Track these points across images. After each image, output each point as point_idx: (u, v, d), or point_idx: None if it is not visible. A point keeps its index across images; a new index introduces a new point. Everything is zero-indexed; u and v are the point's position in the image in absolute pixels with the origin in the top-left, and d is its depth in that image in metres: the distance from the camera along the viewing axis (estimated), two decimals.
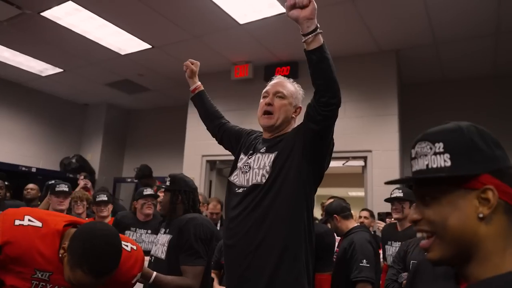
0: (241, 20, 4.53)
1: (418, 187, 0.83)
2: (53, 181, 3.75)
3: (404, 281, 2.24)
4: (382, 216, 3.87)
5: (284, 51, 5.32)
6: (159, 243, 2.25)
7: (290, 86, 1.90)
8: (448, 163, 0.77)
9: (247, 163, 1.84)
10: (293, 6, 1.55)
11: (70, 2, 4.29)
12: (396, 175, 4.77)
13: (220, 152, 5.64)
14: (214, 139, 2.22)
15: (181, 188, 2.32)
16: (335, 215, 2.97)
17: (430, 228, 0.79)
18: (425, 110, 5.72)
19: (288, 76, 2.01)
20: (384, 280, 2.61)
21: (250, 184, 1.77)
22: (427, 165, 0.79)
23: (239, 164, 1.88)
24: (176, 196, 2.30)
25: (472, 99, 5.53)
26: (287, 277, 1.64)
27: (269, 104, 1.85)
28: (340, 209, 3.02)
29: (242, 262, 1.69)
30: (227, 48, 5.30)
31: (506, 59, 5.07)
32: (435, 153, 0.79)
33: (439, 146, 0.79)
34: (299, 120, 1.86)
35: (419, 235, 0.85)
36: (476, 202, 0.76)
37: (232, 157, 6.22)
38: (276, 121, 1.83)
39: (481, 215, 0.75)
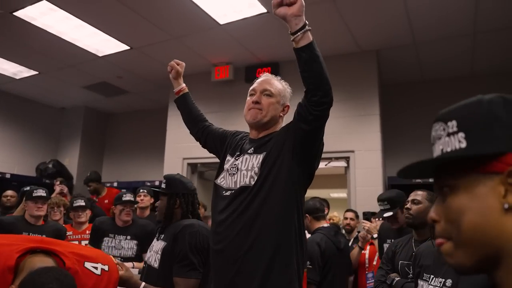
0: (221, 21, 4.47)
1: (436, 177, 0.69)
2: (28, 187, 3.62)
3: (394, 282, 2.22)
4: (367, 216, 3.86)
5: (264, 52, 5.28)
6: (153, 250, 2.12)
7: (278, 84, 1.85)
8: (464, 144, 0.62)
9: (234, 164, 1.77)
10: (280, 4, 1.51)
11: (44, 1, 4.16)
12: (379, 175, 4.79)
13: (201, 155, 5.65)
14: (197, 142, 2.15)
15: (179, 191, 2.18)
16: (306, 214, 2.99)
17: (449, 231, 0.64)
18: (406, 110, 5.78)
19: None
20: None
21: (238, 186, 1.70)
22: (442, 150, 0.66)
23: (226, 166, 1.82)
24: (174, 200, 2.15)
25: (451, 99, 5.46)
26: (278, 282, 1.58)
27: (256, 102, 1.79)
28: (313, 209, 3.07)
29: (231, 267, 1.62)
30: (207, 49, 5.24)
31: (483, 59, 5.16)
32: (449, 134, 0.65)
33: (452, 125, 0.65)
34: (287, 119, 1.82)
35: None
36: (502, 189, 0.59)
37: (214, 159, 6.12)
38: (264, 117, 1.77)
39: (506, 206, 0.59)
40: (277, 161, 1.66)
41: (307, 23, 1.50)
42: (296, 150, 1.64)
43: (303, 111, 1.58)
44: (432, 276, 1.57)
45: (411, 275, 2.25)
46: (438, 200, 0.67)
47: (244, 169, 1.72)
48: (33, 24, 4.66)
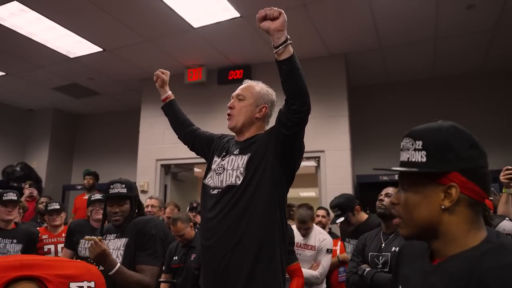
0: (195, 24, 4.55)
1: (400, 176, 0.96)
2: None
3: (365, 272, 2.36)
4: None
5: (237, 55, 5.39)
6: (112, 248, 2.17)
7: (255, 88, 1.96)
8: (424, 159, 0.90)
9: (221, 164, 1.88)
10: (264, 18, 1.62)
11: (15, 2, 4.11)
12: (348, 174, 4.98)
13: (175, 156, 5.70)
14: (185, 145, 2.23)
15: (136, 193, 2.33)
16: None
17: (400, 213, 0.95)
18: (372, 111, 6.03)
19: (241, 80, 2.07)
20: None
21: (224, 185, 1.81)
22: (408, 158, 0.93)
23: (213, 166, 1.92)
24: (136, 202, 2.28)
25: (414, 100, 5.88)
26: (264, 274, 1.70)
27: (230, 108, 1.93)
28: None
29: (221, 261, 1.73)
30: (181, 51, 5.29)
31: (443, 62, 5.46)
32: (415, 149, 0.92)
33: (419, 144, 0.91)
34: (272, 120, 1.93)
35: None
36: (442, 195, 0.88)
37: (187, 160, 6.15)
38: (236, 123, 1.90)
39: (443, 207, 0.88)
40: (261, 162, 1.78)
41: (289, 37, 1.61)
42: (278, 152, 1.76)
43: (283, 118, 1.70)
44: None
45: (380, 266, 2.41)
46: (399, 190, 0.97)
47: (230, 169, 1.83)
48: (1, 25, 4.58)
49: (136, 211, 2.32)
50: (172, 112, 2.23)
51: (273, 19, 1.60)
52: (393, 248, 2.37)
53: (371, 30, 4.60)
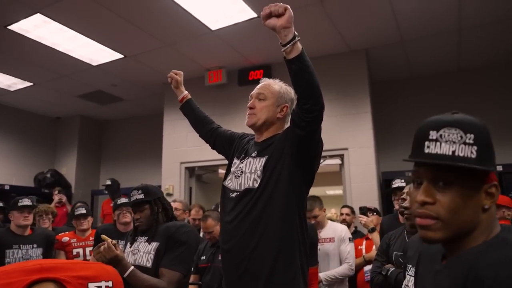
0: (213, 26, 4.57)
1: (435, 170, 0.84)
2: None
3: (389, 273, 2.31)
4: (364, 210, 3.96)
5: (256, 55, 5.38)
6: (142, 251, 2.18)
7: (274, 87, 1.91)
8: (474, 155, 0.81)
9: (239, 167, 1.86)
10: (269, 16, 1.55)
11: (38, 14, 4.23)
12: (373, 171, 4.89)
13: (198, 158, 5.74)
14: (207, 143, 2.22)
15: (157, 196, 2.29)
16: None
17: (440, 215, 0.83)
18: (396, 106, 5.91)
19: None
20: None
21: (242, 188, 1.79)
22: (454, 152, 0.81)
23: (232, 169, 1.90)
24: (158, 206, 2.26)
25: (438, 94, 5.72)
26: (283, 280, 1.67)
27: (250, 108, 1.89)
28: None
29: (239, 266, 1.72)
30: (200, 54, 5.32)
31: (469, 54, 5.29)
32: (465, 143, 0.82)
33: (470, 137, 0.82)
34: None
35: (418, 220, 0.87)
36: (483, 195, 0.84)
37: (211, 162, 6.17)
38: (257, 120, 1.86)
39: (486, 207, 0.84)
40: (278, 164, 1.74)
41: (296, 34, 1.54)
42: (294, 153, 1.72)
43: (296, 118, 1.66)
44: (410, 265, 1.64)
45: None
46: (428, 186, 0.85)
47: (248, 172, 1.81)
48: (27, 37, 4.73)
49: (164, 213, 2.29)
50: (190, 111, 2.23)
51: (279, 15, 1.53)
52: None
53: (391, 23, 4.50)
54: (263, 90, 1.90)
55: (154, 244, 2.15)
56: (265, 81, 1.96)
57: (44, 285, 1.40)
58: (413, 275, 1.60)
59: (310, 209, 3.28)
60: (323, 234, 3.40)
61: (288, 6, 1.53)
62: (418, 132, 0.89)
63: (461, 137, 0.82)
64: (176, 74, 2.24)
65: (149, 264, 2.11)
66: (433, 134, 0.84)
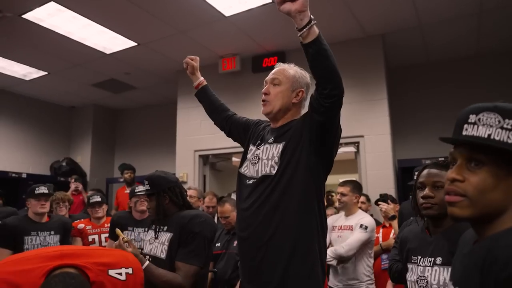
0: (227, 13, 4.51)
1: (470, 150, 0.87)
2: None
3: None
4: (384, 197, 3.91)
5: (270, 42, 5.31)
6: (158, 242, 2.14)
7: (289, 71, 1.86)
8: (511, 140, 0.82)
9: (256, 154, 1.82)
10: (283, 0, 1.50)
11: (52, 2, 4.22)
12: (389, 159, 4.83)
13: (212, 146, 5.73)
14: (222, 131, 2.19)
15: (164, 187, 2.20)
16: None
17: (468, 192, 0.86)
18: (413, 93, 5.80)
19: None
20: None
21: (259, 175, 1.75)
22: (489, 135, 0.84)
23: (249, 156, 1.87)
24: (163, 198, 2.19)
25: (457, 80, 5.60)
26: (301, 267, 1.64)
27: (265, 94, 1.85)
28: None
29: (256, 254, 1.69)
30: (214, 41, 5.28)
31: (488, 38, 5.14)
32: (502, 128, 0.84)
33: (509, 123, 0.83)
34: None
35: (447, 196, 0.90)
36: None
37: (225, 150, 6.17)
38: (273, 109, 1.82)
39: None
40: (296, 150, 1.70)
41: (313, 17, 1.49)
42: (313, 139, 1.68)
43: (315, 103, 1.61)
44: (419, 257, 1.59)
45: None
46: (461, 165, 0.88)
47: (265, 158, 1.77)
48: (41, 26, 4.73)
49: (179, 202, 2.23)
50: (206, 98, 2.19)
51: (293, 0, 1.48)
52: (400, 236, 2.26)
53: (408, 6, 4.38)
54: (277, 75, 1.85)
55: (168, 235, 2.10)
56: (280, 66, 1.91)
57: (65, 269, 1.42)
58: (424, 264, 1.57)
59: None
60: (347, 221, 3.30)
61: None
62: (459, 116, 0.91)
63: (499, 121, 0.84)
64: (192, 60, 2.19)
65: (163, 256, 2.08)
66: (472, 118, 0.87)
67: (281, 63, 1.94)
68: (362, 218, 3.26)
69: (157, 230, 2.21)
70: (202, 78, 2.21)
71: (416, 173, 3.07)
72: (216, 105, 2.17)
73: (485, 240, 0.86)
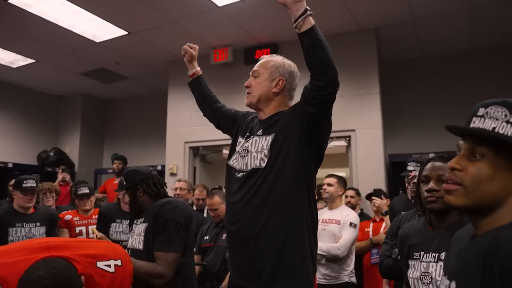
0: (220, 3, 4.44)
1: (474, 142, 0.89)
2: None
3: (399, 256, 2.26)
4: (378, 193, 3.91)
5: (263, 33, 5.26)
6: (135, 234, 2.16)
7: (269, 62, 1.84)
8: None
9: (245, 146, 1.80)
10: None
11: None
12: (380, 153, 4.82)
13: (203, 138, 5.67)
14: (211, 123, 2.18)
15: (136, 180, 2.20)
16: None
17: (464, 181, 0.88)
18: (405, 87, 5.80)
19: None
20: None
21: (249, 168, 1.74)
22: (494, 128, 0.86)
23: (238, 148, 1.84)
24: (136, 190, 2.19)
25: (450, 75, 5.61)
26: (291, 261, 1.63)
27: (247, 87, 1.86)
28: None
29: (246, 247, 1.67)
30: (206, 32, 5.20)
31: (482, 34, 5.14)
32: (508, 122, 0.85)
33: None
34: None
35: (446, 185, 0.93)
36: None
37: (215, 142, 6.12)
38: (252, 100, 1.82)
39: None
40: (286, 142, 1.68)
41: (308, 8, 1.50)
42: (304, 131, 1.66)
43: (309, 95, 1.59)
44: (422, 252, 1.57)
45: None
46: (463, 155, 0.90)
47: (254, 151, 1.75)
48: (28, 12, 4.61)
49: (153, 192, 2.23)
50: (199, 88, 2.16)
51: None
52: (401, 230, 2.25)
53: (403, 0, 4.35)
54: (258, 67, 1.86)
55: (144, 225, 2.11)
56: (263, 59, 1.89)
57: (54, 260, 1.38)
58: (428, 260, 1.55)
59: None
60: (332, 215, 3.33)
61: None
62: (471, 109, 0.92)
63: (506, 115, 0.85)
64: (191, 48, 2.16)
65: (140, 246, 2.07)
66: (481, 111, 0.89)
67: (265, 56, 1.92)
68: (349, 214, 3.32)
69: (133, 223, 2.22)
70: (198, 68, 2.18)
71: (409, 164, 3.10)
72: (208, 97, 2.15)
73: (485, 233, 0.86)
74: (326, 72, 1.53)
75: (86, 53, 5.85)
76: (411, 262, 1.62)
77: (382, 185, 4.68)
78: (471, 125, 0.89)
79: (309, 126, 1.64)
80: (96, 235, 2.01)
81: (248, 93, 1.84)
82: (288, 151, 1.67)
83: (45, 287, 1.24)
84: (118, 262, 1.54)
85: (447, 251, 1.47)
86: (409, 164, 3.12)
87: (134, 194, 2.20)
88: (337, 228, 3.25)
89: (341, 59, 4.99)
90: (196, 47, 2.19)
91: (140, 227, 2.14)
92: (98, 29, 5.11)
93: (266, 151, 1.71)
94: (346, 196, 4.41)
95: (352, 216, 3.32)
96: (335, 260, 3.15)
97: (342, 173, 10.18)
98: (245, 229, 1.69)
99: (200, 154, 6.17)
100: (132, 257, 1.98)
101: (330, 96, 1.57)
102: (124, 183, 2.24)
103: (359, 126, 4.95)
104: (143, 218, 2.16)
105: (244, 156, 1.77)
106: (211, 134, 5.17)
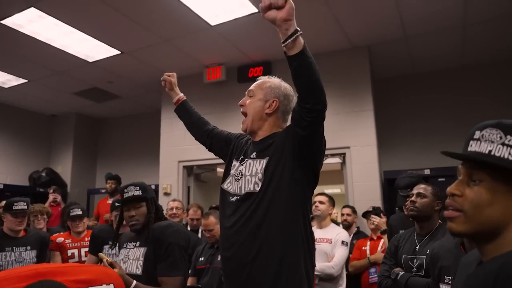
0: (212, 22, 4.45)
1: (471, 167, 0.87)
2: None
3: (398, 276, 2.22)
4: (377, 211, 3.87)
5: (256, 52, 5.27)
6: (131, 258, 2.09)
7: (265, 83, 1.83)
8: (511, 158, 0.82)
9: (239, 170, 1.76)
10: (268, 8, 1.43)
11: (32, 8, 4.10)
12: (375, 170, 4.80)
13: (197, 157, 5.64)
14: (199, 145, 2.15)
15: (152, 196, 2.21)
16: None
17: (464, 207, 0.86)
18: (399, 104, 5.82)
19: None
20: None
21: (243, 192, 1.70)
22: (490, 151, 0.84)
23: (232, 171, 1.80)
24: (152, 205, 2.19)
25: (442, 91, 5.64)
26: (287, 287, 1.58)
27: (241, 105, 1.84)
28: None
29: (241, 273, 1.62)
30: (199, 50, 5.21)
31: (473, 50, 5.19)
32: (504, 144, 0.83)
33: (511, 139, 0.83)
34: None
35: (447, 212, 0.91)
36: None
37: (209, 161, 6.06)
38: (246, 126, 1.81)
39: None
40: (279, 165, 1.65)
41: (298, 29, 1.43)
42: (296, 153, 1.63)
43: (297, 117, 1.56)
44: (451, 277, 1.53)
45: (415, 269, 2.26)
46: (462, 181, 0.89)
47: (248, 175, 1.71)
48: (21, 32, 4.59)
49: (155, 215, 2.22)
50: (185, 113, 2.15)
51: (279, 8, 1.41)
52: (429, 251, 2.22)
53: (395, 17, 4.39)
54: (253, 86, 1.84)
55: (142, 250, 2.07)
56: (260, 79, 1.88)
57: None
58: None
59: None
60: (323, 234, 3.35)
61: None
62: (468, 133, 0.92)
63: (501, 137, 0.83)
64: (169, 76, 2.17)
65: (139, 271, 2.03)
66: (477, 134, 0.88)
67: (263, 76, 1.90)
68: (340, 233, 3.40)
69: (133, 246, 2.16)
70: (181, 94, 2.19)
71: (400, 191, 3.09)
72: (196, 120, 2.13)
73: (492, 260, 0.84)
74: (314, 95, 1.49)
75: (79, 72, 5.83)
76: (442, 287, 1.56)
77: (378, 202, 4.64)
78: (469, 149, 0.88)
79: (302, 147, 1.61)
80: (106, 260, 1.95)
81: (242, 112, 1.82)
82: (282, 174, 1.63)
83: None
84: (111, 287, 1.49)
85: None
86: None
87: (149, 208, 2.17)
88: (329, 247, 3.29)
89: (335, 77, 5.05)
90: (174, 74, 2.20)
91: (136, 252, 2.09)
92: (91, 49, 5.10)
93: (260, 174, 1.67)
94: (343, 214, 4.38)
95: (343, 234, 3.39)
96: (328, 279, 3.15)
97: (337, 189, 10.19)
98: (239, 255, 1.64)
99: (194, 173, 6.11)
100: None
101: (319, 117, 1.53)
102: (140, 193, 2.17)
103: (354, 143, 4.94)
104: (137, 242, 2.12)
105: (239, 179, 1.74)
106: (205, 153, 5.08)
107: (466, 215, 0.85)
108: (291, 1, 1.41)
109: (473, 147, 0.87)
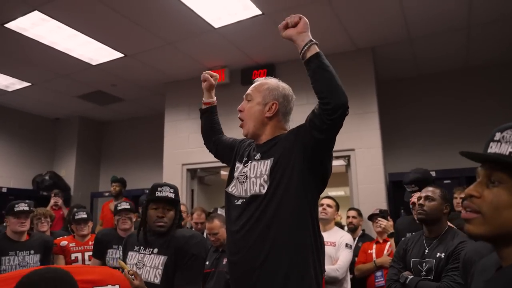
0: (216, 24, 4.44)
1: (491, 168, 0.86)
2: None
3: (407, 280, 2.19)
4: (384, 214, 3.83)
5: (260, 54, 5.26)
6: (148, 266, 2.04)
7: (263, 85, 1.79)
8: None
9: (243, 172, 1.73)
10: (285, 27, 1.61)
11: (36, 12, 4.10)
12: (380, 172, 4.77)
13: (200, 160, 5.61)
14: (203, 149, 2.16)
15: (179, 199, 2.21)
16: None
17: (482, 209, 0.84)
18: (403, 106, 5.79)
19: None
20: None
21: (248, 194, 1.66)
22: (511, 153, 0.82)
23: (236, 174, 1.78)
24: (179, 212, 2.17)
25: (447, 93, 5.61)
26: None
27: (240, 111, 1.82)
28: None
29: (249, 279, 1.59)
30: (202, 53, 5.20)
31: (477, 52, 5.16)
32: None
33: None
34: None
35: (463, 213, 0.90)
36: None
37: (213, 164, 6.04)
38: (248, 131, 1.78)
39: None
40: (288, 167, 1.61)
41: (313, 39, 1.57)
42: (307, 156, 1.60)
43: (318, 120, 1.53)
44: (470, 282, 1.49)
45: (424, 273, 2.23)
46: (481, 182, 0.87)
47: (253, 176, 1.68)
48: (25, 35, 4.59)
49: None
50: (209, 118, 2.10)
51: (295, 25, 1.60)
52: (438, 254, 2.19)
53: (399, 19, 4.37)
54: (251, 90, 1.81)
55: (162, 258, 2.02)
56: (257, 81, 1.85)
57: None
58: None
59: None
60: (326, 237, 3.31)
61: (302, 15, 1.61)
62: (490, 135, 0.91)
63: None
64: (212, 77, 2.08)
65: (157, 280, 1.99)
66: (497, 136, 0.86)
67: (260, 78, 1.87)
68: (343, 235, 3.39)
69: (150, 252, 2.11)
70: (215, 98, 2.12)
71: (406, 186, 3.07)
72: (215, 129, 2.09)
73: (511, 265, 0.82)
74: (335, 95, 1.49)
75: (82, 75, 5.83)
76: None
77: (383, 205, 4.61)
78: (488, 151, 0.86)
79: (314, 151, 1.59)
80: (128, 271, 1.92)
81: (241, 118, 1.80)
82: (290, 176, 1.60)
83: (47, 280, 1.17)
84: (116, 287, 1.49)
85: None
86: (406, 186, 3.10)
87: (177, 214, 2.16)
88: (333, 250, 3.27)
89: (339, 79, 5.01)
90: (217, 76, 2.11)
91: (155, 259, 2.04)
92: (94, 52, 5.10)
93: (265, 176, 1.64)
94: (348, 217, 4.35)
95: (347, 237, 3.39)
96: (332, 282, 3.14)
97: (341, 192, 10.13)
98: (247, 260, 1.61)
99: (198, 176, 6.09)
100: None
101: (340, 119, 1.52)
102: (173, 197, 2.16)
103: (358, 145, 4.91)
104: (156, 249, 2.07)
105: (243, 182, 1.71)
106: (209, 156, 5.05)
107: (484, 217, 0.84)
108: (305, 18, 1.60)
109: (493, 148, 0.85)
